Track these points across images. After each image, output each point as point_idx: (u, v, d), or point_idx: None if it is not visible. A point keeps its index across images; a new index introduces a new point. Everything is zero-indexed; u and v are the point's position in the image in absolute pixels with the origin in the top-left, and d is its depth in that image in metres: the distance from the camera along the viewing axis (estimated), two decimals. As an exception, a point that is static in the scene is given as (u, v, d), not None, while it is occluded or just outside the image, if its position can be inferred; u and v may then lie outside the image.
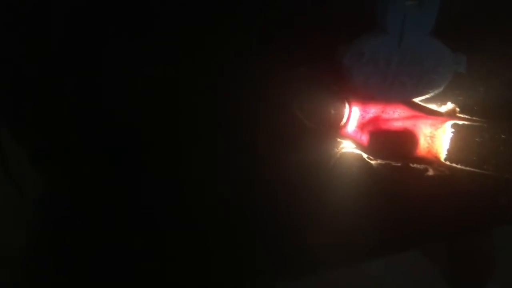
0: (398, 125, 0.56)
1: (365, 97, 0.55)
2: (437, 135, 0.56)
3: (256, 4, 0.53)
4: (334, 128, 0.56)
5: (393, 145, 0.56)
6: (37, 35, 0.53)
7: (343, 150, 0.57)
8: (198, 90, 0.55)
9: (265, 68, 0.54)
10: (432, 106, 0.56)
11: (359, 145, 0.57)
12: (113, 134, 0.57)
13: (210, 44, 0.54)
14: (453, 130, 0.56)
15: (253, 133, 0.56)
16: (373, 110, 0.56)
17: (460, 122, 0.56)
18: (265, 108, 0.55)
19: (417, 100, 0.55)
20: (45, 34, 0.53)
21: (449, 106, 0.56)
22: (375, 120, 0.56)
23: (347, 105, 0.56)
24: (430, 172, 0.56)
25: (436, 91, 0.54)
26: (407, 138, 0.56)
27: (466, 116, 0.56)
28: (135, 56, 0.53)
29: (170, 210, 0.60)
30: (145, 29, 0.53)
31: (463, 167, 0.56)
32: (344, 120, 0.56)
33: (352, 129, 0.57)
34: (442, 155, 0.56)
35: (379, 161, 0.56)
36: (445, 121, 0.56)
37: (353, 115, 0.56)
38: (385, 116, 0.56)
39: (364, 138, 0.57)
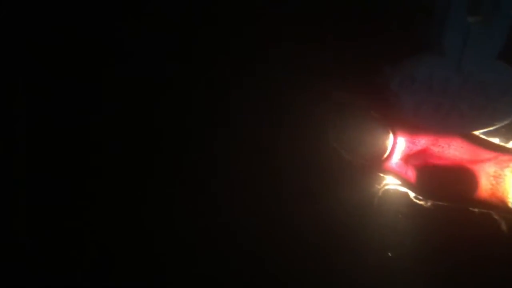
0: (453, 161, 0.48)
1: (414, 127, 0.48)
2: (504, 176, 0.47)
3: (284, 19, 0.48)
4: (376, 162, 0.49)
5: (447, 184, 0.48)
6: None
7: (386, 187, 0.50)
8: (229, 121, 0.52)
9: (295, 92, 0.49)
10: (497, 141, 0.48)
11: (405, 182, 0.49)
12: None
13: (238, 74, 0.51)
14: (524, 170, 0.48)
15: (282, 169, 0.50)
16: (423, 142, 0.49)
17: (534, 161, 0.47)
18: (296, 140, 0.50)
19: (478, 133, 0.47)
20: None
21: (519, 141, 0.48)
22: (425, 153, 0.49)
23: (391, 135, 0.49)
24: (494, 219, 0.47)
25: (503, 123, 0.46)
26: (464, 177, 0.48)
27: (541, 154, 0.47)
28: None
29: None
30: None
31: (536, 216, 0.47)
32: (388, 152, 0.49)
33: (397, 162, 0.50)
34: (510, 199, 0.47)
35: (429, 202, 0.48)
36: (514, 159, 0.47)
37: (398, 147, 0.49)
38: (437, 149, 0.49)
39: (411, 174, 0.49)
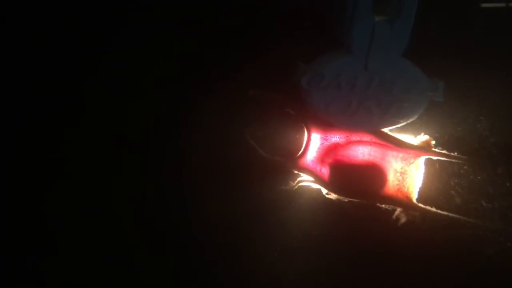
0: (364, 157, 0.49)
1: (327, 124, 0.48)
2: (409, 172, 0.49)
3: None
4: (291, 159, 0.49)
5: (358, 180, 0.49)
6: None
7: (300, 184, 0.50)
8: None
9: (210, 89, 0.48)
10: (404, 138, 0.49)
11: (318, 179, 0.49)
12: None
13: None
14: (427, 166, 0.50)
15: (197, 165, 0.49)
16: (335, 139, 0.49)
17: (436, 158, 0.49)
18: (213, 137, 0.49)
19: (386, 130, 0.48)
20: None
21: (423, 138, 0.49)
22: (337, 151, 0.49)
23: (305, 133, 0.49)
24: (400, 215, 0.48)
25: (408, 121, 0.47)
26: (374, 173, 0.49)
27: (443, 151, 0.49)
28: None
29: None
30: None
31: (438, 211, 0.49)
32: (302, 149, 0.49)
33: (311, 160, 0.50)
34: (414, 195, 0.49)
35: (340, 199, 0.49)
36: (419, 155, 0.49)
37: (312, 144, 0.49)
38: (348, 147, 0.49)
39: (324, 171, 0.50)
